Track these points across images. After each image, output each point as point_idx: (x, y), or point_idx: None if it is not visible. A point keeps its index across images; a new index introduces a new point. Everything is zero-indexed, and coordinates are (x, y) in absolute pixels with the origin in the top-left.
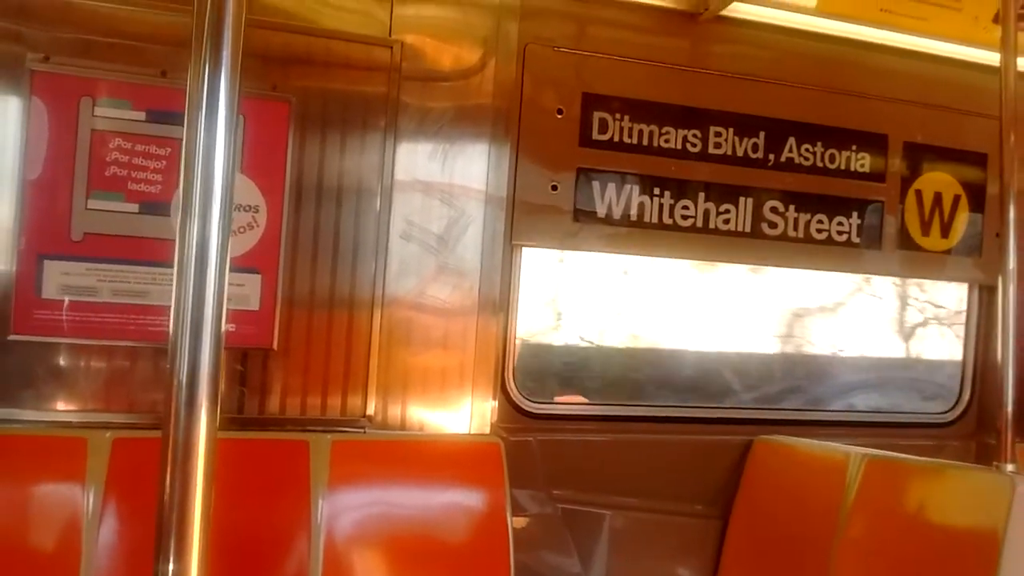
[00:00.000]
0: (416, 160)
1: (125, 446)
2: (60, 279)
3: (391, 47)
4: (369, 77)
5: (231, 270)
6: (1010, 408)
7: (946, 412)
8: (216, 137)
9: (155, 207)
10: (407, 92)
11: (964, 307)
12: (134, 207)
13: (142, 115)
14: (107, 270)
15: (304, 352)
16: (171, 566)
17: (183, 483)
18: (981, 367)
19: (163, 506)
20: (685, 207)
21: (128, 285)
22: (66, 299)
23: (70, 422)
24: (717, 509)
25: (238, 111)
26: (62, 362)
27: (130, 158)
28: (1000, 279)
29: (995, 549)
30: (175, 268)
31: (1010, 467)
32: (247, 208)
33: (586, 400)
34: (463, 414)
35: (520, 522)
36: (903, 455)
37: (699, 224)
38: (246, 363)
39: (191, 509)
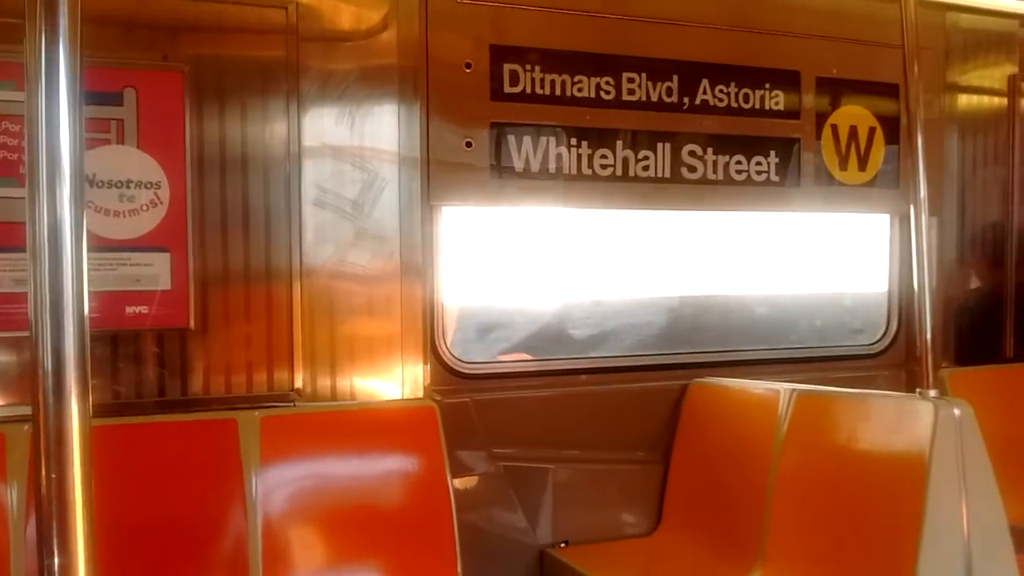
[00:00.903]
0: (323, 125)
1: None
2: None
3: (286, 8)
4: (266, 41)
5: (136, 250)
6: (929, 335)
7: (875, 343)
8: (59, 109)
9: None
10: (307, 55)
11: None
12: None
13: None
14: (6, 259)
15: (223, 329)
16: (56, 560)
17: (59, 474)
18: (907, 297)
19: (40, 500)
20: (603, 156)
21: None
22: None
23: None
24: (658, 454)
25: (81, 80)
26: None
27: (19, 141)
28: (912, 208)
29: (922, 472)
30: (28, 251)
31: (933, 393)
32: (148, 185)
33: (524, 356)
34: (395, 380)
35: (463, 483)
36: (830, 388)
37: (619, 172)
38: (163, 345)
39: (70, 500)
